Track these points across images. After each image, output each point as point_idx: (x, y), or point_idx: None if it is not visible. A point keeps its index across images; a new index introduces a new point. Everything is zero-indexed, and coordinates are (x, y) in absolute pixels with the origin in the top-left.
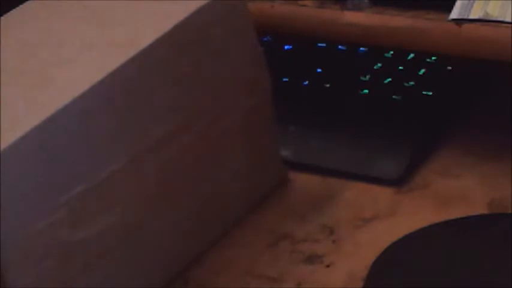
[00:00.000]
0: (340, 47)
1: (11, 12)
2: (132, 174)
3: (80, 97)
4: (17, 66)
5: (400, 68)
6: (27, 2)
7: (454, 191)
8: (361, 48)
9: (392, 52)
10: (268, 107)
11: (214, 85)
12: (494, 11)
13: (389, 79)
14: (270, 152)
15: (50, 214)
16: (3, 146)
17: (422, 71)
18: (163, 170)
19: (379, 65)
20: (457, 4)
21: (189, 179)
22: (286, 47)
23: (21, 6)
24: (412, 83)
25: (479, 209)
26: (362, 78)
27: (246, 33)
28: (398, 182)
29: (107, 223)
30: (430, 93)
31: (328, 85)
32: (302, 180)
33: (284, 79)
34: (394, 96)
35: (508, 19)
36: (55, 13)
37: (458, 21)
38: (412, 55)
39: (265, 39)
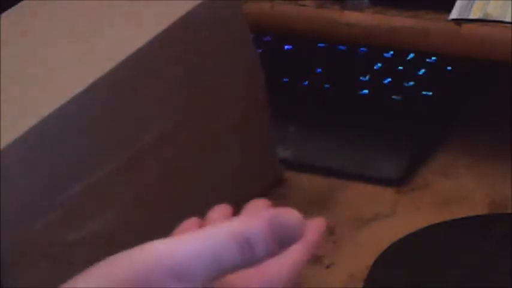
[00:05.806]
0: (340, 47)
1: (7, 12)
2: (130, 173)
3: (77, 97)
4: (13, 66)
5: (400, 68)
6: (23, 1)
7: (454, 191)
8: (361, 48)
9: (392, 52)
10: (264, 107)
11: (210, 84)
12: (494, 11)
13: (389, 79)
14: (266, 151)
15: (48, 214)
16: (2, 146)
17: (422, 71)
18: (161, 169)
19: (379, 65)
20: (457, 4)
21: (186, 178)
22: (286, 47)
23: (16, 5)
24: (412, 83)
25: (479, 209)
26: (362, 78)
27: (241, 33)
28: (398, 182)
29: (106, 222)
30: (430, 93)
31: (328, 85)
32: (302, 180)
33: (284, 79)
34: (394, 96)
35: (508, 19)
36: (51, 12)
37: (458, 21)
38: (412, 55)
39: (265, 39)
